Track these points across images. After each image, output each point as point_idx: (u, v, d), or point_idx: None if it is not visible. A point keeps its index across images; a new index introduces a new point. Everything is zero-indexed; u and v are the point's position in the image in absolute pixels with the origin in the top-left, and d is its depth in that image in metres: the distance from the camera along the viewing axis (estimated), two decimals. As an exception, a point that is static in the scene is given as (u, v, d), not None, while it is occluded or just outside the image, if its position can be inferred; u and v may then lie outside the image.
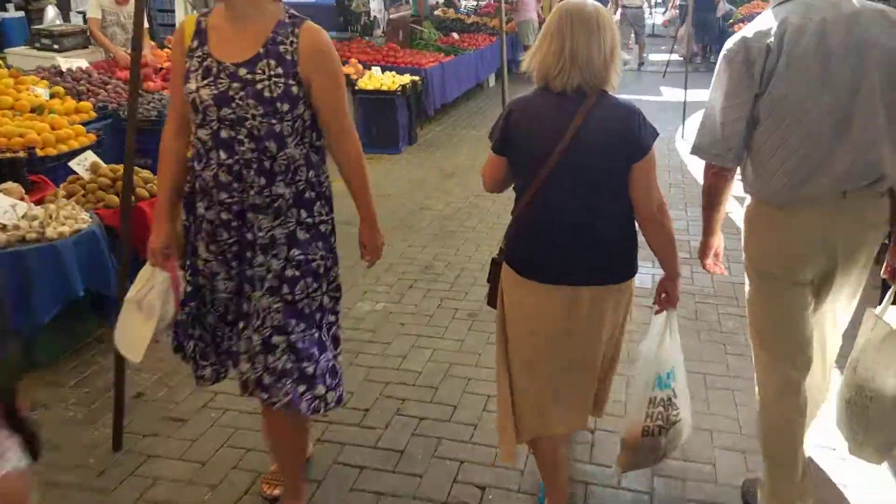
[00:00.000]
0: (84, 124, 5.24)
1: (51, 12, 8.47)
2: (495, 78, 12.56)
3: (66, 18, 8.98)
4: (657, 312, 2.34)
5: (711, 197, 2.36)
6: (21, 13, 8.88)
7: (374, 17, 13.69)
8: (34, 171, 4.29)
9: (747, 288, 2.42)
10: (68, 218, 3.51)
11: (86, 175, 3.96)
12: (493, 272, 2.41)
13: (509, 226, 2.31)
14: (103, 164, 4.05)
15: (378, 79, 7.97)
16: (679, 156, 7.53)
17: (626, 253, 2.24)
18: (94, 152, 4.77)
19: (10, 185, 3.99)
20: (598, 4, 2.15)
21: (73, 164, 3.96)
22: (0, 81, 5.16)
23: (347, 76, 7.94)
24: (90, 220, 3.58)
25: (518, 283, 2.25)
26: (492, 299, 2.47)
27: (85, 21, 7.38)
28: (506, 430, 2.37)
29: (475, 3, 17.94)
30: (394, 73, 8.33)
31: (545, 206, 2.17)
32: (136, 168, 4.00)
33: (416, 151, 8.03)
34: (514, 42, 13.77)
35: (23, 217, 3.47)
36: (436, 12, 15.88)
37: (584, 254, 2.17)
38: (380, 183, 6.73)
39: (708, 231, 2.45)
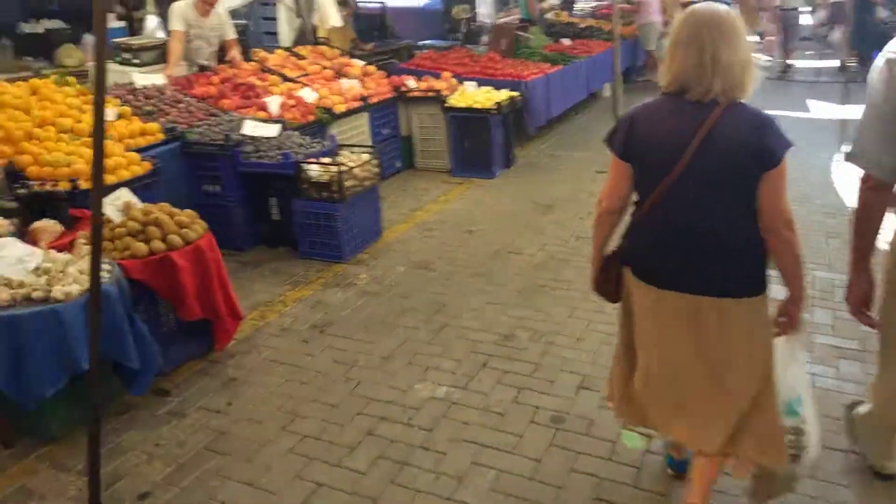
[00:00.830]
0: (148, 148, 4.90)
1: (151, 23, 8.40)
2: (610, 88, 11.59)
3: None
4: (777, 335, 2.29)
5: (864, 219, 2.28)
6: (123, 23, 8.89)
7: (481, 23, 13.04)
8: (78, 205, 3.93)
9: (882, 300, 2.37)
10: (84, 273, 3.06)
11: (117, 217, 3.53)
12: (611, 264, 2.41)
13: (627, 230, 2.36)
14: (137, 205, 3.61)
15: (471, 95, 7.29)
16: (837, 194, 6.18)
17: (750, 265, 2.21)
18: (147, 183, 4.39)
19: (44, 223, 3.63)
20: (729, 9, 2.15)
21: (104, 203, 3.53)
22: (65, 101, 4.91)
23: (437, 92, 7.32)
24: (109, 275, 3.11)
25: (636, 285, 2.33)
26: (604, 290, 2.48)
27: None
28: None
29: (593, 4, 16.91)
30: (490, 88, 7.62)
31: (668, 212, 2.20)
32: (172, 210, 3.53)
33: (511, 176, 7.30)
34: (633, 47, 12.74)
35: (35, 269, 3.05)
36: (547, 16, 15.07)
37: (705, 262, 2.18)
38: (464, 215, 6.06)
39: (856, 267, 2.35)
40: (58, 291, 2.91)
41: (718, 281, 2.18)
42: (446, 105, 7.22)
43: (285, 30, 10.77)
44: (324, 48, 8.20)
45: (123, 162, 4.31)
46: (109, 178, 4.17)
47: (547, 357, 3.77)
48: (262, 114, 5.80)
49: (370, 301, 4.45)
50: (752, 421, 2.25)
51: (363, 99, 6.81)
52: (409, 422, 3.22)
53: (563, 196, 6.55)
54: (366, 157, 5.28)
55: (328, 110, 6.24)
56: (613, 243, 2.46)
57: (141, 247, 3.36)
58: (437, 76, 8.00)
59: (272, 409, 3.33)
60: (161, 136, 5.08)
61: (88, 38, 8.30)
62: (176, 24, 6.36)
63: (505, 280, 4.72)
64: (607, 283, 2.43)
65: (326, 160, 5.08)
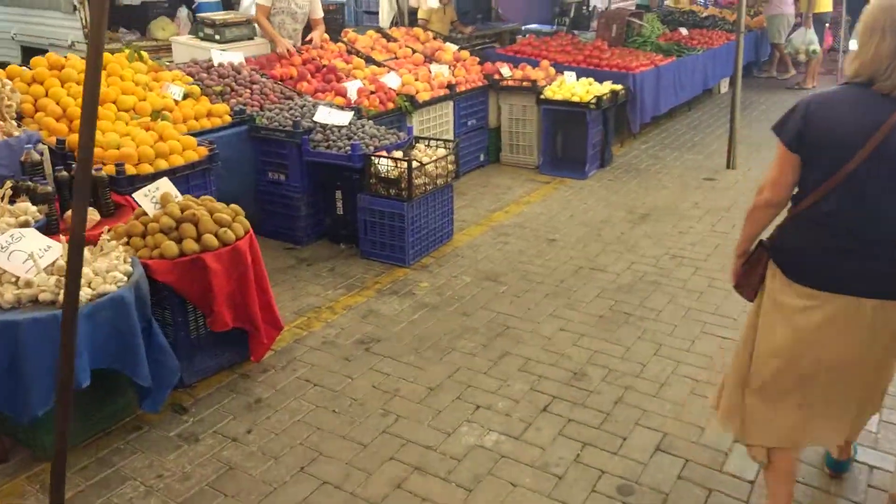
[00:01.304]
0: (214, 131, 4.64)
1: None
2: (729, 84, 10.58)
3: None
4: None
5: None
6: (219, -4, 8.81)
7: (594, 7, 12.22)
8: (123, 192, 3.69)
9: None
10: (99, 274, 2.77)
11: (151, 210, 3.23)
12: (759, 259, 2.30)
13: (782, 224, 2.25)
14: (176, 198, 3.30)
15: (569, 87, 6.66)
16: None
17: None
18: (202, 171, 4.11)
19: (83, 209, 3.38)
20: None
21: (139, 195, 3.25)
22: (133, 77, 4.71)
23: (533, 82, 6.74)
24: (126, 278, 2.81)
25: (785, 285, 2.21)
26: (745, 287, 2.37)
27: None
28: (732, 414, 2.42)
29: (715, -9, 15.68)
30: (591, 79, 6.96)
31: (836, 209, 2.09)
32: (214, 205, 3.19)
33: (605, 178, 6.63)
34: (757, 41, 11.60)
35: (49, 266, 2.79)
36: (665, 2, 14.03)
37: (874, 263, 2.09)
38: (546, 220, 5.49)
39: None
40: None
41: (887, 282, 2.09)
42: (541, 97, 6.63)
43: (385, 9, 10.47)
44: (417, 31, 7.78)
45: (178, 146, 4.04)
46: (160, 164, 3.92)
47: (621, 406, 3.18)
48: (339, 99, 5.44)
49: (427, 316, 4.00)
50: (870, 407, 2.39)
51: (450, 87, 6.34)
52: (447, 476, 2.75)
53: (661, 205, 5.85)
54: (442, 152, 4.81)
55: (410, 98, 5.81)
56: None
57: (171, 246, 3.04)
58: (536, 64, 7.40)
59: (294, 442, 2.94)
60: (228, 119, 4.81)
61: (183, 12, 8.26)
62: (261, -3, 6.11)
63: (583, 302, 4.14)
64: (751, 279, 2.32)
65: (397, 154, 4.65)
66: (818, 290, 2.13)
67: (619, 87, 6.91)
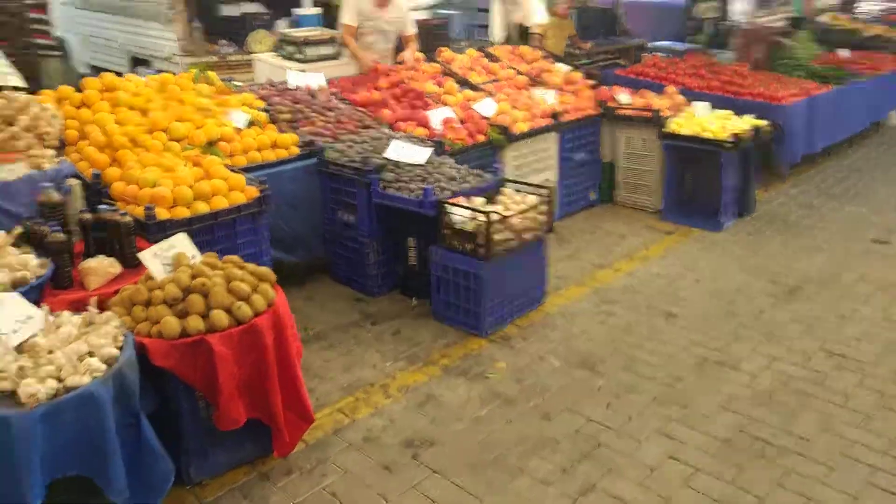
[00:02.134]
0: (279, 164, 4.19)
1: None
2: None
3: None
4: None
5: None
6: (318, 10, 8.53)
7: (733, 24, 11.08)
8: (152, 239, 3.24)
9: None
10: (84, 356, 2.28)
11: (160, 273, 2.73)
12: None
13: None
14: (193, 259, 2.79)
15: (700, 121, 5.76)
16: None
17: None
18: (251, 215, 3.62)
19: (97, 261, 2.96)
20: None
21: (147, 253, 2.75)
22: (195, 101, 4.34)
23: (655, 112, 5.89)
24: (106, 367, 2.30)
25: None
26: None
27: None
28: None
29: (882, 6, 14.00)
30: (728, 112, 6.01)
31: None
32: (233, 272, 2.65)
33: (744, 231, 5.66)
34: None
35: (19, 346, 2.33)
36: (820, 18, 12.59)
37: None
38: (665, 285, 4.63)
39: None
40: (25, 389, 2.15)
41: None
42: (664, 130, 5.77)
43: (497, 22, 9.90)
44: (524, 49, 7.11)
45: (223, 186, 3.56)
46: (199, 207, 3.44)
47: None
48: (420, 130, 4.86)
49: (497, 412, 3.29)
50: None
51: (554, 115, 5.62)
52: None
53: (815, 274, 4.83)
54: (533, 200, 4.10)
55: (504, 129, 5.13)
56: None
57: (172, 323, 2.52)
58: (661, 90, 6.54)
59: None
60: (296, 151, 4.34)
61: (282, 25, 8.01)
62: (346, 17, 5.66)
63: (703, 416, 3.28)
64: None
65: (478, 201, 3.99)
66: None
67: (762, 122, 5.92)
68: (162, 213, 3.30)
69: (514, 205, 4.08)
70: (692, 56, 8.28)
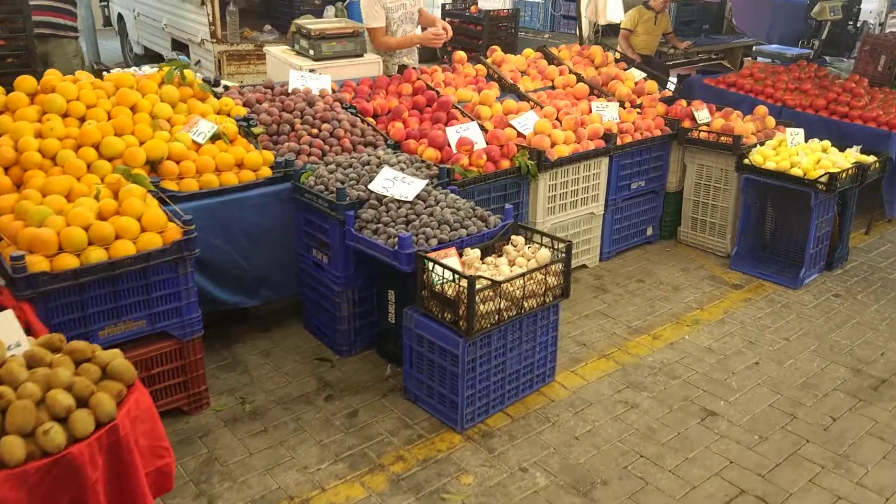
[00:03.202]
0: (240, 190, 3.44)
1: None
2: None
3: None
4: None
5: None
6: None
7: (863, 24, 9.42)
8: (20, 297, 2.54)
9: None
10: None
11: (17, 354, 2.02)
12: None
13: None
14: (5, 347, 2.06)
15: (790, 151, 4.59)
16: None
17: None
18: (172, 262, 2.88)
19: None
20: None
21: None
22: (154, 108, 3.61)
23: (736, 138, 4.76)
24: None
25: None
26: None
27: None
28: None
29: None
30: (827, 142, 4.80)
31: None
32: (79, 352, 1.93)
33: (830, 289, 4.49)
34: None
35: None
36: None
37: None
38: (716, 363, 3.59)
39: None
40: None
41: None
42: (745, 161, 4.64)
43: (584, 16, 8.82)
44: (594, 50, 6.04)
45: (132, 227, 2.70)
46: (93, 255, 2.61)
47: None
48: (430, 152, 3.98)
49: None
50: None
51: (607, 137, 4.60)
52: None
53: (916, 367, 3.67)
54: (545, 255, 3.17)
55: (538, 154, 4.17)
56: None
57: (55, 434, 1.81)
58: (755, 105, 5.34)
59: None
60: (267, 173, 3.58)
61: (330, 10, 7.28)
62: (373, 21, 4.81)
63: None
64: None
65: (473, 254, 3.10)
66: None
67: (869, 158, 4.67)
68: (38, 264, 2.56)
69: (523, 259, 3.17)
70: (800, 65, 6.93)
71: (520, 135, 4.45)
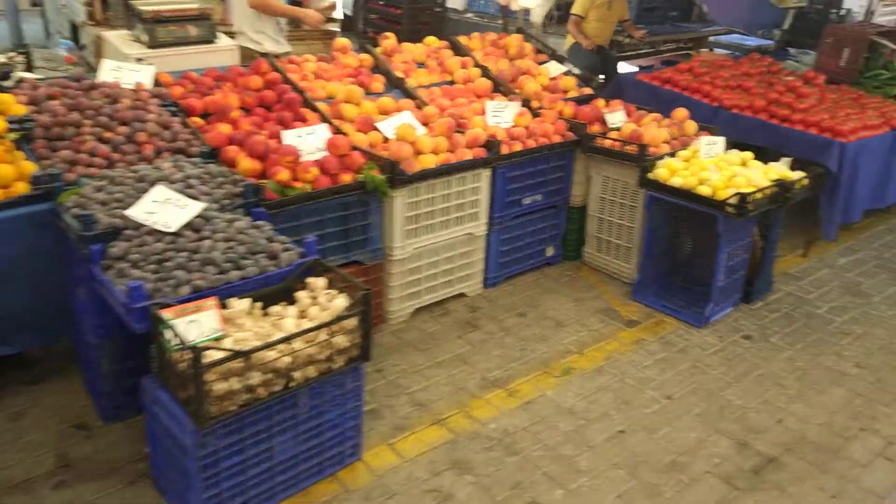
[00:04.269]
0: None
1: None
2: None
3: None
4: None
5: None
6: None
7: (848, 13, 8.44)
8: None
9: None
10: None
11: None
12: None
13: None
14: None
15: (701, 165, 3.82)
16: None
17: None
18: None
19: None
20: None
21: None
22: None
23: (642, 147, 3.99)
24: None
25: None
26: None
27: None
28: None
29: None
30: (749, 154, 4.03)
31: None
32: None
33: (740, 329, 3.76)
34: None
35: None
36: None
37: None
38: (574, 431, 2.88)
39: None
40: None
41: None
42: (648, 175, 3.89)
43: (539, 1, 8.03)
44: (510, 40, 5.23)
45: None
46: None
47: None
48: (247, 163, 3.23)
49: None
50: None
51: (489, 145, 3.84)
52: None
53: (817, 432, 2.93)
54: (340, 305, 2.44)
55: (392, 166, 3.41)
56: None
57: None
58: (691, 105, 4.57)
59: None
60: (23, 189, 2.85)
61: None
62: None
63: None
64: None
65: (239, 305, 2.37)
66: None
67: (796, 175, 3.89)
68: None
69: (318, 309, 2.45)
70: (752, 58, 6.11)
71: (387, 141, 3.71)
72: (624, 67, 7.53)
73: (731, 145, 4.50)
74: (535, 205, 4.18)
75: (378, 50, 4.65)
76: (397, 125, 3.68)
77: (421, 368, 3.28)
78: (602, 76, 6.46)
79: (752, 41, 7.50)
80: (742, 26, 8.92)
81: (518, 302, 3.94)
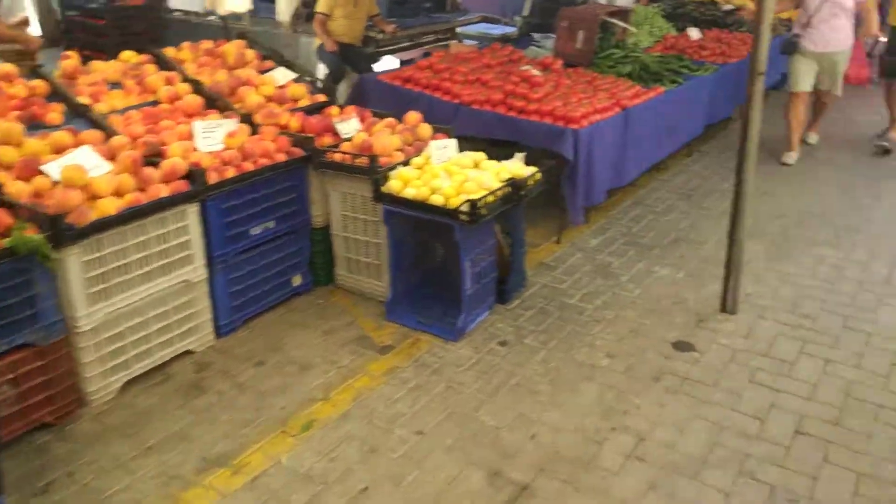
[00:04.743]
0: None
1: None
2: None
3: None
4: None
5: None
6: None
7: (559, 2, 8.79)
8: None
9: None
10: None
11: None
12: None
13: None
14: None
15: (434, 172, 3.60)
16: None
17: None
18: None
19: None
20: None
21: None
22: None
23: (372, 159, 3.70)
24: None
25: None
26: None
27: None
28: None
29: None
30: (482, 155, 3.87)
31: None
32: None
33: (496, 335, 3.61)
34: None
35: None
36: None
37: None
38: (322, 489, 2.49)
39: None
40: None
41: None
42: (382, 189, 3.59)
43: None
44: (229, 47, 4.71)
45: None
46: None
47: None
48: None
49: None
50: None
51: (192, 175, 3.32)
52: None
53: (571, 443, 2.80)
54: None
55: (52, 223, 2.78)
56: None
57: None
58: (434, 104, 4.33)
59: None
60: None
61: None
62: None
63: None
64: None
65: None
66: None
67: (527, 171, 3.79)
68: None
69: None
70: (493, 48, 6.10)
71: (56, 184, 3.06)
72: (390, 63, 7.28)
73: (477, 143, 4.37)
74: (268, 233, 3.73)
75: (56, 73, 3.93)
76: (64, 166, 3.05)
77: (125, 460, 2.72)
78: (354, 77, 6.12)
79: (498, 29, 7.57)
80: (497, 13, 9.06)
81: (257, 348, 3.48)
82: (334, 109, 4.36)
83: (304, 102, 4.44)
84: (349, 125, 4.08)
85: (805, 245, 4.59)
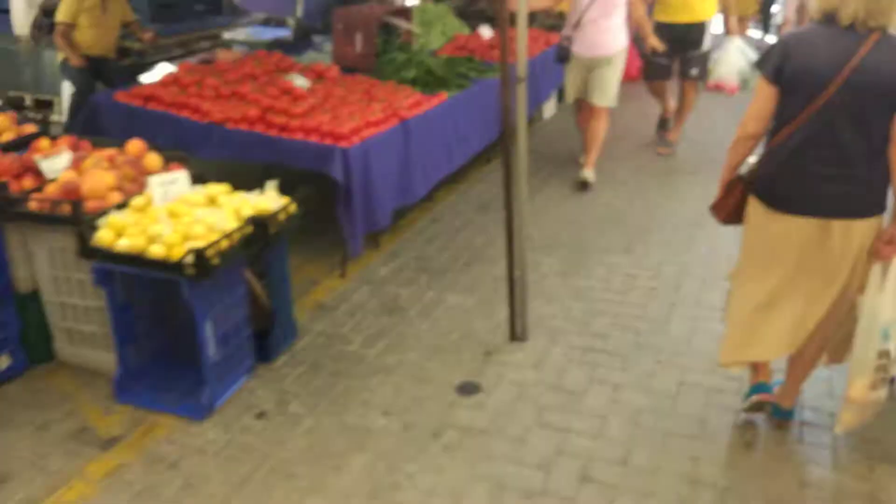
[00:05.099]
0: None
1: None
2: (558, 102, 7.35)
3: None
4: (875, 262, 2.39)
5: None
6: None
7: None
8: None
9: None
10: None
11: None
12: (734, 186, 2.61)
13: (761, 157, 2.52)
14: None
15: (152, 218, 2.95)
16: None
17: (879, 189, 2.41)
18: None
19: None
20: None
21: None
22: None
23: (75, 205, 2.99)
24: None
25: (764, 214, 2.52)
26: (720, 209, 2.68)
27: None
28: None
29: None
30: (223, 189, 3.26)
31: (806, 138, 2.36)
32: None
33: (255, 403, 3.07)
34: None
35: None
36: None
37: (836, 186, 2.37)
38: None
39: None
40: None
41: (847, 203, 2.38)
42: (91, 243, 2.89)
43: (20, 6, 6.46)
44: None
45: None
46: None
47: None
48: None
49: None
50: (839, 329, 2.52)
51: None
52: None
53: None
54: None
55: None
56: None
57: None
58: (181, 126, 3.63)
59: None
60: None
61: None
62: None
63: None
64: (726, 201, 2.64)
65: None
66: (794, 216, 2.43)
67: (277, 203, 3.25)
68: None
69: None
70: (258, 56, 5.48)
71: None
72: (166, 71, 6.36)
73: (251, 169, 3.76)
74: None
75: None
76: None
77: None
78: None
79: (270, 33, 6.93)
80: (284, 14, 8.37)
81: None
82: (44, 143, 3.57)
83: (9, 136, 3.62)
84: (57, 162, 3.33)
85: (599, 254, 4.44)
